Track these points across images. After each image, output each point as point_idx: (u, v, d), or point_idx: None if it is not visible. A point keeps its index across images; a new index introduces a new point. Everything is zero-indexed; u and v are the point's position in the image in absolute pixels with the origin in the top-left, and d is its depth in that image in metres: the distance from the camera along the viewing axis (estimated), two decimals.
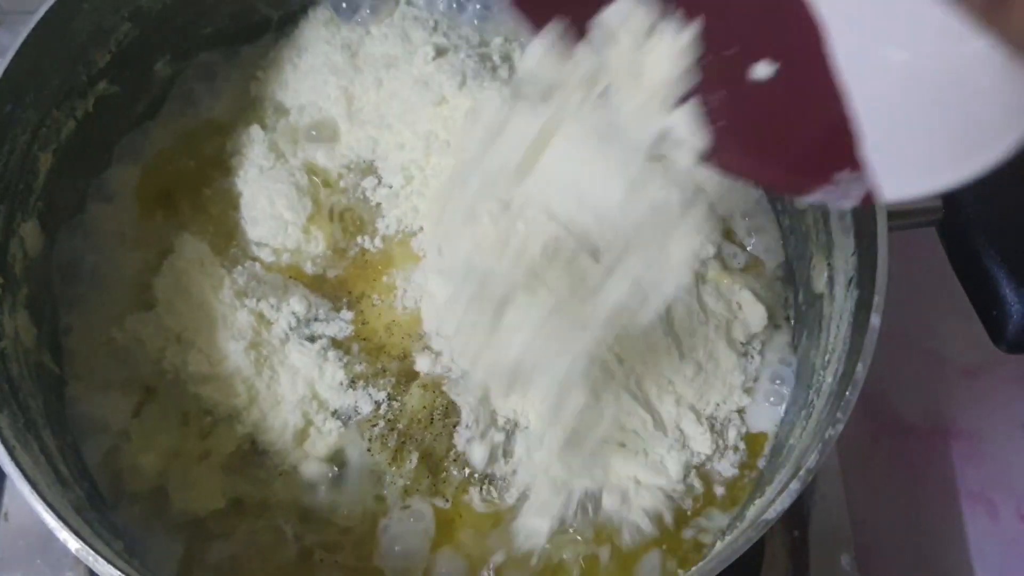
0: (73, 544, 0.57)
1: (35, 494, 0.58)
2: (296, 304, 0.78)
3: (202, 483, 0.73)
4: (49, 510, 0.58)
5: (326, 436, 0.75)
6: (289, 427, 0.74)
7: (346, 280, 0.83)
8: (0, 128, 0.70)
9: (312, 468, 0.75)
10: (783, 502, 0.60)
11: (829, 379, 0.70)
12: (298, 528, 0.73)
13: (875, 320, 0.64)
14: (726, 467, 0.77)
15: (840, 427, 0.61)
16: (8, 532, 0.82)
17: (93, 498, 0.71)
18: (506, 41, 0.90)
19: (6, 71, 0.69)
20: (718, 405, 0.78)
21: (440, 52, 0.87)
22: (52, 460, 0.68)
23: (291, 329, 0.77)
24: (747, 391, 0.80)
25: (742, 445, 0.78)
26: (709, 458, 0.77)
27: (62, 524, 0.58)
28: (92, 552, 0.57)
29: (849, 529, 0.87)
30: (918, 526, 1.01)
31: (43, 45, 0.72)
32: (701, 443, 0.77)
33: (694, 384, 0.77)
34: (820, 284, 0.77)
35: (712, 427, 0.77)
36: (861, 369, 0.63)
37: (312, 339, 0.78)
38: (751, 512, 0.69)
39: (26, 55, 0.71)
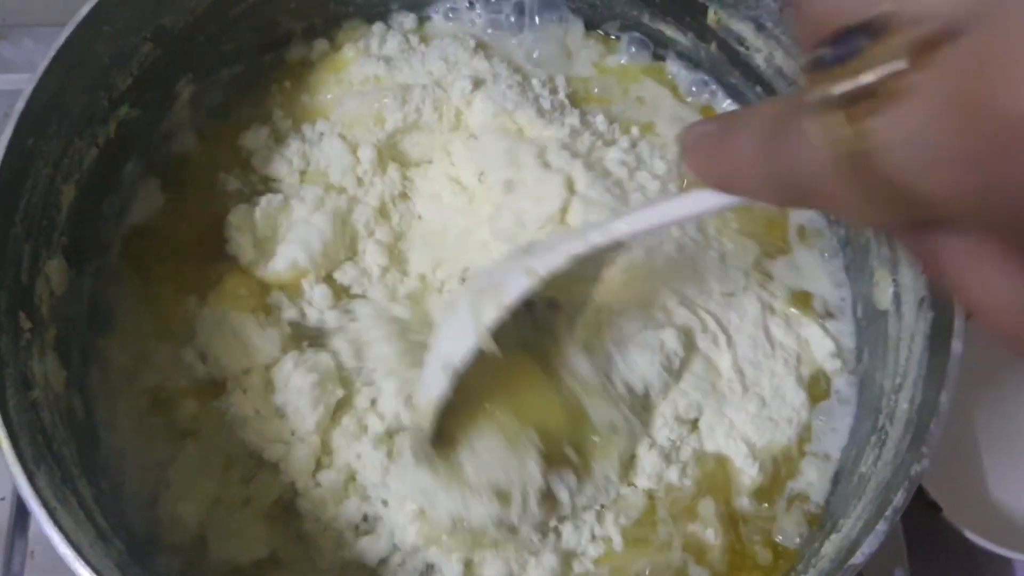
0: None
1: (80, 559, 0.55)
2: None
3: (244, 531, 0.68)
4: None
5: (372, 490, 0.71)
6: (334, 479, 0.70)
7: None
8: (23, 164, 0.66)
9: (350, 512, 0.70)
10: (871, 544, 0.57)
11: (904, 405, 0.66)
12: None
13: (957, 347, 0.61)
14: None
15: (926, 463, 0.58)
16: (34, 570, 0.79)
17: (132, 550, 0.67)
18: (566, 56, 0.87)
19: (28, 103, 0.65)
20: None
21: (477, 84, 0.82)
22: (90, 514, 0.64)
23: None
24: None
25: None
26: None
27: None
28: None
29: (903, 541, 0.84)
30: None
31: (64, 73, 0.68)
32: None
33: (756, 421, 0.74)
34: (884, 301, 0.73)
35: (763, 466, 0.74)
36: (945, 400, 0.59)
37: None
38: (828, 548, 0.65)
39: (47, 85, 0.67)
